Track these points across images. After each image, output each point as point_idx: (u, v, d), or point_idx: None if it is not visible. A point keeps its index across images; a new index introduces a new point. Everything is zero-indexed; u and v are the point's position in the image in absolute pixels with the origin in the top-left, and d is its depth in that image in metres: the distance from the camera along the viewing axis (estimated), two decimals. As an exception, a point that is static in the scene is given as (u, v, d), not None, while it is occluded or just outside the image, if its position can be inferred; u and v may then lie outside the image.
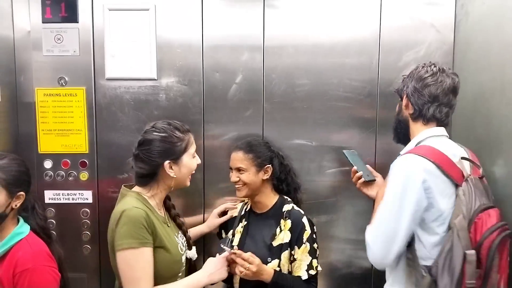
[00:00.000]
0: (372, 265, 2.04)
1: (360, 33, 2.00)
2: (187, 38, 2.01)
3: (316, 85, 2.02)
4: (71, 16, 1.97)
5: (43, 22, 1.98)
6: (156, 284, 1.51)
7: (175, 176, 1.59)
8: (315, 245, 1.76)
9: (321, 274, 2.06)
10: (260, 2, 2.00)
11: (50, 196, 2.03)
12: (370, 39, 2.00)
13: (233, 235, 1.82)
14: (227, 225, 1.90)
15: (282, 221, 1.75)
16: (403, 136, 1.67)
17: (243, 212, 1.87)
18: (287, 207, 1.79)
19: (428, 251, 1.49)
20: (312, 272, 1.73)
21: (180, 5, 2.00)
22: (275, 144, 1.99)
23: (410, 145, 1.60)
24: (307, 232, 1.74)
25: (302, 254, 1.72)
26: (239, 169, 1.77)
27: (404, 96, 1.61)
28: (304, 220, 1.76)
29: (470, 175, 1.49)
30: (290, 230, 1.73)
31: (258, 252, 1.71)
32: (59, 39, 1.98)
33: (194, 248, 1.75)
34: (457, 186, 1.46)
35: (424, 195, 1.45)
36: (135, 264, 1.47)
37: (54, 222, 2.01)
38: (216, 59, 2.01)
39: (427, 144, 1.54)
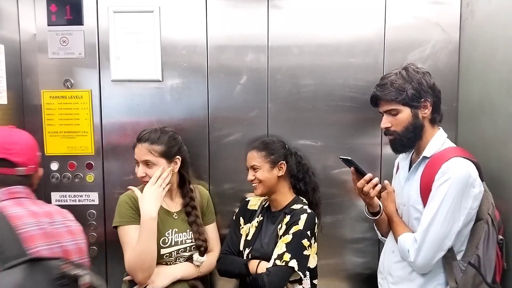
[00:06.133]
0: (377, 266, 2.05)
1: (365, 33, 1.99)
2: (191, 39, 2.01)
3: (321, 85, 2.01)
4: (76, 18, 1.98)
5: (48, 25, 1.99)
6: None
7: None
8: (300, 243, 1.68)
9: (330, 273, 2.06)
10: (264, 3, 2.00)
11: (56, 198, 2.04)
12: (375, 39, 1.99)
13: (249, 229, 1.85)
14: (245, 215, 1.90)
15: (285, 218, 1.75)
16: (410, 144, 1.62)
17: (261, 208, 1.89)
18: (296, 206, 1.78)
19: (461, 244, 1.53)
20: (278, 262, 1.65)
21: (185, 7, 2.00)
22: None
23: (435, 145, 1.58)
24: (297, 226, 1.70)
25: (281, 242, 1.69)
26: (253, 167, 1.78)
27: (427, 101, 1.56)
28: (302, 216, 1.72)
29: None
30: (286, 223, 1.73)
31: (265, 248, 1.74)
32: (64, 41, 1.99)
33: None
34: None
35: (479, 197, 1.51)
36: (122, 238, 1.69)
37: (61, 223, 2.03)
38: (220, 60, 2.01)
39: (453, 146, 1.59)
